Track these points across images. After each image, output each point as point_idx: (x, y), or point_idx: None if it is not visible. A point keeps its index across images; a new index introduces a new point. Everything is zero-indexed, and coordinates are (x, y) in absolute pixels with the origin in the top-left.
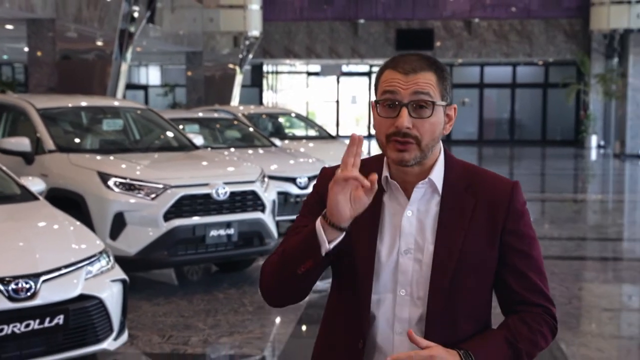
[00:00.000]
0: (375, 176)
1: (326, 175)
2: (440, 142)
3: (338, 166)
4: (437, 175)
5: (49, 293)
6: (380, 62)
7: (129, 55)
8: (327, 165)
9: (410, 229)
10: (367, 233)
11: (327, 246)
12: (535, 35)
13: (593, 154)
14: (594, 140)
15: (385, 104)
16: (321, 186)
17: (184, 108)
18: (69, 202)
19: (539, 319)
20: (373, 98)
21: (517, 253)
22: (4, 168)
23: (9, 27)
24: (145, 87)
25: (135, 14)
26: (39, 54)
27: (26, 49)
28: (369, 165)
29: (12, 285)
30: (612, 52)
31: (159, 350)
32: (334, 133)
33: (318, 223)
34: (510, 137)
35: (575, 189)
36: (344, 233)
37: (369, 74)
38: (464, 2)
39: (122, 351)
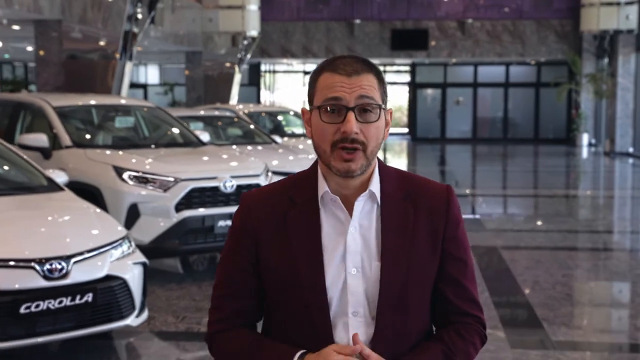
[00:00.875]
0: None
1: (248, 205)
2: None
3: (260, 189)
4: (376, 185)
5: (79, 273)
6: (376, 61)
7: (132, 55)
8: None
9: (356, 247)
10: (311, 260)
11: None
12: (528, 36)
13: (584, 152)
14: (585, 138)
15: (329, 110)
16: (244, 217)
17: (183, 106)
18: (85, 194)
19: (471, 330)
20: (306, 105)
21: (454, 261)
22: (33, 162)
23: (16, 27)
24: (144, 86)
25: (139, 15)
26: (45, 53)
27: (29, 49)
28: (299, 184)
29: (47, 266)
30: (602, 52)
31: (174, 329)
32: None
33: None
34: (503, 135)
35: (565, 186)
36: None
37: None
38: (458, 3)
39: (141, 330)
